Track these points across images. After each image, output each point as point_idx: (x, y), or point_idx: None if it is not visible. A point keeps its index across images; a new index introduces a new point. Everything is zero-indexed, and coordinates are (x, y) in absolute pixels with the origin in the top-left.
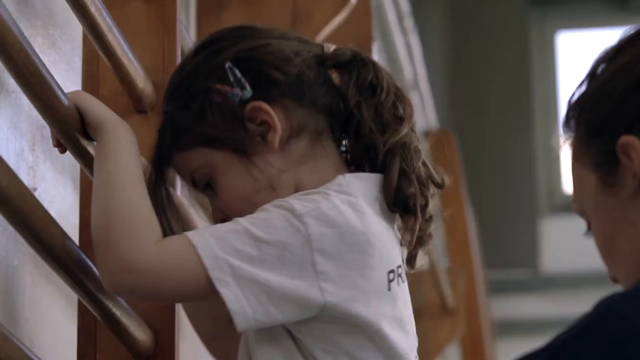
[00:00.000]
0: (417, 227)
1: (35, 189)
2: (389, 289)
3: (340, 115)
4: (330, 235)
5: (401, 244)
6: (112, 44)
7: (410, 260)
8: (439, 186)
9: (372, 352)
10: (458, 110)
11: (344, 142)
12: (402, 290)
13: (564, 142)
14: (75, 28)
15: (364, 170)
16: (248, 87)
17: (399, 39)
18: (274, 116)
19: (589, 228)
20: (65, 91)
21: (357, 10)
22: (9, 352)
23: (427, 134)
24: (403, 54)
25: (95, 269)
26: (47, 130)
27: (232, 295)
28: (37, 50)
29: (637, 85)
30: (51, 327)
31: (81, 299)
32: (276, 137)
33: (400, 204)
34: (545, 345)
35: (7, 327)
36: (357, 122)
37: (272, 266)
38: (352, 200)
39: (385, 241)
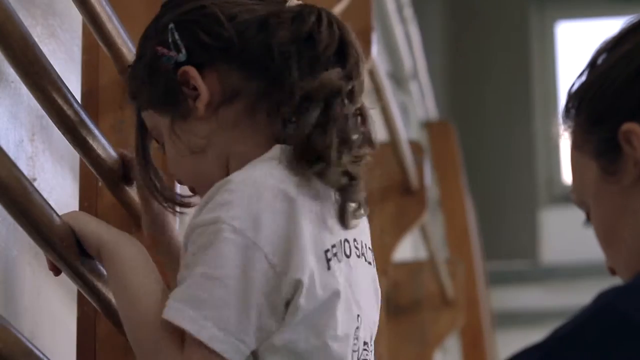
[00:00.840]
0: (332, 176)
1: (34, 179)
2: (329, 268)
3: (273, 73)
4: (270, 235)
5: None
6: (112, 34)
7: (340, 217)
8: (371, 144)
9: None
10: (457, 100)
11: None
12: (340, 269)
13: (563, 132)
14: (75, 18)
15: None
16: (184, 51)
17: (398, 29)
18: (200, 81)
19: (588, 218)
20: (65, 82)
21: (357, 0)
22: (8, 343)
23: (426, 125)
24: (402, 43)
25: (94, 260)
26: (46, 120)
27: (225, 347)
28: (36, 39)
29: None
30: (50, 318)
31: (80, 290)
32: (201, 104)
33: (310, 159)
34: (544, 339)
35: (7, 317)
36: (284, 76)
37: (244, 296)
38: (282, 186)
39: (313, 227)
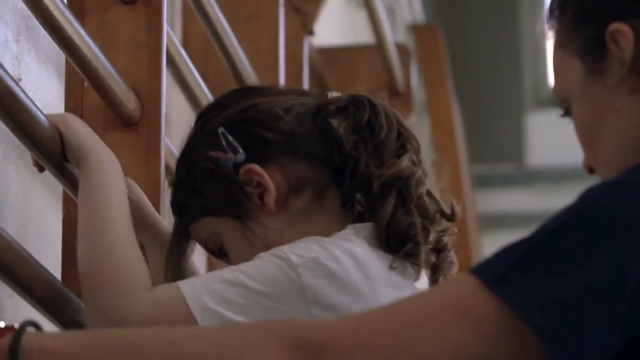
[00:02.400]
0: (422, 256)
1: (19, 79)
2: None
3: (338, 162)
4: (327, 286)
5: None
6: (93, 62)
7: None
8: (450, 219)
9: None
10: (445, 3)
11: (356, 196)
12: None
13: (549, 31)
14: None
15: None
16: (241, 150)
17: None
18: (267, 177)
19: (568, 113)
20: None
21: None
22: None
23: (413, 27)
24: None
25: None
26: (32, 20)
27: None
28: None
29: None
30: (36, 217)
31: (66, 189)
32: (271, 198)
33: (396, 238)
34: (531, 234)
35: None
36: (354, 163)
37: (266, 318)
38: (354, 249)
39: (394, 290)
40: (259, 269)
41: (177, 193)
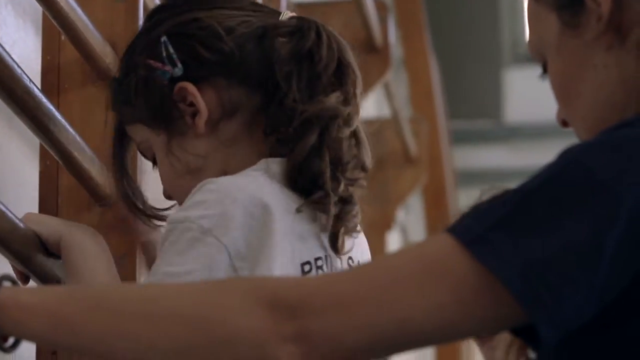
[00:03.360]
0: (331, 206)
1: None
2: None
3: (271, 89)
4: (240, 237)
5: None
6: (70, 15)
7: (333, 242)
8: (364, 169)
9: None
10: None
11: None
12: None
13: None
14: None
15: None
16: (179, 65)
17: None
18: (199, 98)
19: (545, 71)
20: None
21: None
22: None
23: None
24: None
25: (57, 113)
26: None
27: None
28: None
29: None
30: (12, 172)
31: (43, 144)
32: (201, 120)
33: (305, 182)
34: (511, 194)
35: None
36: (283, 93)
37: None
38: (258, 195)
39: (295, 234)
40: (178, 253)
41: (115, 93)
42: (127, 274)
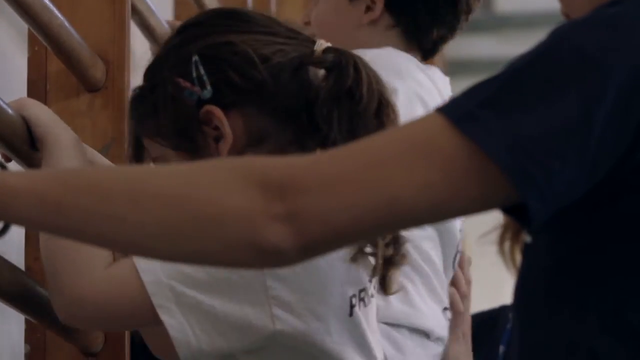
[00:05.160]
0: (381, 247)
1: None
2: (351, 315)
3: (307, 124)
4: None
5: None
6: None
7: (382, 282)
8: None
9: None
10: None
11: None
12: (366, 313)
13: None
14: None
15: None
16: (208, 87)
17: None
18: (226, 124)
19: None
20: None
21: None
22: None
23: None
24: None
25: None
26: None
27: (175, 323)
28: None
29: None
30: (0, 58)
31: (31, 28)
32: (225, 146)
33: None
34: (500, 71)
35: None
36: (325, 132)
37: (219, 290)
38: None
39: (347, 263)
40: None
41: (137, 104)
42: (114, 158)
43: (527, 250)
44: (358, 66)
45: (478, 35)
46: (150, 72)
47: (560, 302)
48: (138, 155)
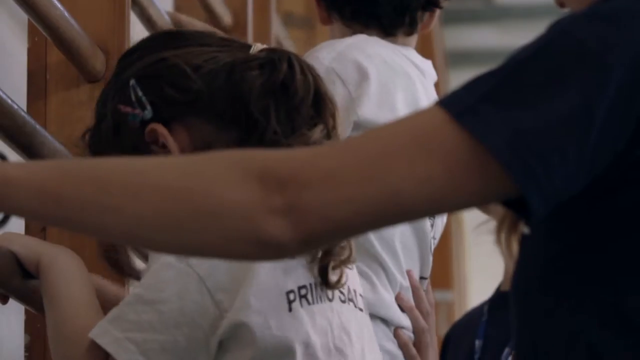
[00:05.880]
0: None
1: None
2: (290, 310)
3: (247, 124)
4: (218, 267)
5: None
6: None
7: (322, 276)
8: None
9: None
10: None
11: None
12: (312, 313)
13: None
14: None
15: None
16: (148, 107)
17: None
18: (169, 139)
19: None
20: None
21: None
22: None
23: None
24: None
25: None
26: None
27: None
28: None
29: None
30: (0, 48)
31: (31, 19)
32: None
33: None
34: (500, 65)
35: None
36: (262, 128)
37: (174, 324)
38: None
39: (280, 268)
40: (153, 278)
41: (91, 142)
42: None
43: (524, 242)
44: (292, 62)
45: (478, 26)
46: (97, 108)
47: (559, 296)
48: None
